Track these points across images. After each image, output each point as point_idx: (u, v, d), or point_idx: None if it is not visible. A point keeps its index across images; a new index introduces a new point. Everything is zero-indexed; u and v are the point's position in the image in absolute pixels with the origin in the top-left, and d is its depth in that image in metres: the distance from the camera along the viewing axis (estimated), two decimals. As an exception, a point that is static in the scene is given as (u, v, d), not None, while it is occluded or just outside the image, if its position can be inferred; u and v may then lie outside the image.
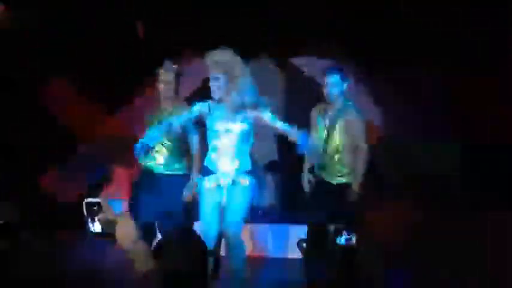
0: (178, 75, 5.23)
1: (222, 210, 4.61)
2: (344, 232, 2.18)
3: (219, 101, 4.55)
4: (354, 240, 2.14)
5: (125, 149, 7.15)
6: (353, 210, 4.75)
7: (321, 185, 5.02)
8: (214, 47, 5.62)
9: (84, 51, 7.48)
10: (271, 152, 8.05)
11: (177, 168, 5.23)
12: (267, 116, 4.55)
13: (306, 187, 5.11)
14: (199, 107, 4.64)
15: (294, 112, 7.62)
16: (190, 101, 5.80)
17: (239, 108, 4.54)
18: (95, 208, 1.72)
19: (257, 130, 4.74)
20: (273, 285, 6.14)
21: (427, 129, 7.59)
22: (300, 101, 7.13)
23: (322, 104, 5.09)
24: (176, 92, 5.25)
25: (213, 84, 4.53)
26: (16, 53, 7.33)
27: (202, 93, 5.23)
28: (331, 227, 2.19)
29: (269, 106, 4.61)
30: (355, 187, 4.95)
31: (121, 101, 7.92)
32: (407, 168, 7.43)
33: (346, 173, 5.02)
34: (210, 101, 4.63)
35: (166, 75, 5.16)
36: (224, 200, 4.58)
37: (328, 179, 5.04)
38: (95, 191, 7.52)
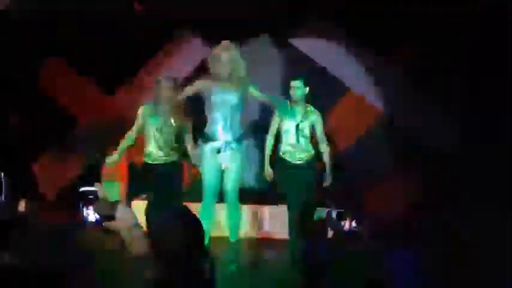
0: (176, 84, 5.79)
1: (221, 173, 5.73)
2: (347, 216, 2.12)
3: (222, 78, 5.64)
4: (355, 224, 2.08)
5: (122, 130, 7.13)
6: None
7: (289, 165, 6.16)
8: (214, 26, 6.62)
9: (82, 31, 7.37)
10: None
11: (172, 155, 5.78)
12: (253, 90, 5.77)
13: (269, 175, 6.24)
14: (201, 83, 5.72)
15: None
16: (191, 78, 6.57)
17: (234, 84, 5.67)
18: (91, 197, 1.67)
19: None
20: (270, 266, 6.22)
21: (426, 108, 7.57)
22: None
23: (289, 105, 6.16)
24: (175, 98, 5.75)
25: (219, 63, 5.63)
26: (15, 35, 7.21)
27: (201, 72, 5.90)
28: (334, 212, 2.12)
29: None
30: (330, 176, 6.12)
31: (119, 81, 7.83)
32: (406, 148, 7.38)
33: (311, 155, 6.21)
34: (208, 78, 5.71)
35: (166, 84, 5.71)
36: (222, 162, 5.68)
37: (294, 161, 6.18)
38: (91, 174, 7.48)
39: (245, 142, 5.91)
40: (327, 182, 6.14)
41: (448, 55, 7.13)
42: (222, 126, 5.70)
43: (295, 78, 6.23)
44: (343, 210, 1.98)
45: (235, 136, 5.74)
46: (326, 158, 6.19)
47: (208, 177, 5.75)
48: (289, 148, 6.18)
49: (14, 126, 7.55)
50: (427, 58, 7.40)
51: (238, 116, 5.77)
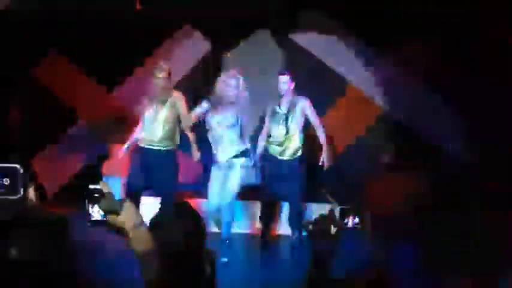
0: (169, 72, 6.15)
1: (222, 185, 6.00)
2: (349, 214, 2.13)
3: (225, 101, 5.90)
4: (359, 222, 2.10)
5: (123, 127, 7.11)
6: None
7: (279, 163, 6.43)
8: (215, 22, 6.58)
9: (83, 29, 7.33)
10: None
11: (169, 145, 6.19)
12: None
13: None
14: (206, 105, 5.96)
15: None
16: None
17: (235, 107, 5.93)
18: (97, 196, 1.68)
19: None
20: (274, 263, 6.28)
21: (427, 106, 7.56)
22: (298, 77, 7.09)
23: (276, 100, 6.47)
24: (168, 84, 6.19)
25: (228, 87, 5.89)
26: (15, 33, 7.18)
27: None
28: (337, 209, 2.13)
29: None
30: (327, 154, 6.35)
31: (119, 79, 7.82)
32: (407, 145, 7.38)
33: (300, 149, 6.42)
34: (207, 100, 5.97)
35: (160, 74, 6.09)
36: (225, 177, 5.97)
37: (285, 157, 6.43)
38: (93, 171, 7.48)
39: (247, 157, 6.11)
40: (326, 164, 6.32)
41: (449, 52, 7.14)
42: (222, 146, 6.01)
43: (282, 73, 6.46)
44: (345, 207, 1.99)
45: (237, 152, 6.03)
46: (322, 141, 6.36)
47: (212, 194, 6.05)
48: (277, 141, 6.42)
49: (15, 123, 7.53)
50: (427, 55, 7.41)
51: (237, 133, 6.03)
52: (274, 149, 6.47)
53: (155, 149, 6.15)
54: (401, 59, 7.54)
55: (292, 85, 6.41)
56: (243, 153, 6.07)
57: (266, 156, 6.50)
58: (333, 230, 2.30)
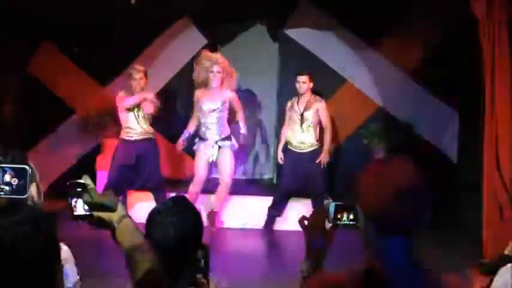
0: (145, 73, 6.62)
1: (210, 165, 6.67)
2: (346, 210, 2.09)
3: (213, 87, 6.45)
4: (354, 217, 2.06)
5: (115, 120, 7.06)
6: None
7: (297, 155, 6.75)
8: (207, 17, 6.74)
9: (77, 22, 7.27)
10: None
11: (148, 133, 6.72)
12: (235, 99, 6.62)
13: (280, 158, 6.92)
14: (198, 93, 6.55)
15: (286, 82, 7.57)
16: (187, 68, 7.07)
17: (221, 92, 6.47)
18: (80, 190, 1.63)
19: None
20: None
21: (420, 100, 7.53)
22: (293, 71, 7.06)
23: (295, 98, 6.79)
24: (143, 86, 6.65)
25: (213, 75, 6.40)
26: (12, 20, 7.11)
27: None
28: (332, 205, 2.09)
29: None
30: (326, 154, 6.73)
31: (112, 72, 7.74)
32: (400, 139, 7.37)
33: (315, 144, 6.77)
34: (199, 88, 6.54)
35: (136, 75, 6.55)
36: (212, 158, 6.53)
37: (301, 150, 6.75)
38: (85, 164, 7.44)
39: (230, 140, 6.64)
40: (324, 160, 6.70)
41: (447, 47, 7.13)
42: (211, 128, 6.53)
43: (301, 73, 6.67)
44: (340, 203, 1.96)
45: (222, 135, 6.56)
46: (326, 140, 6.73)
47: (199, 170, 6.57)
48: (294, 137, 6.74)
49: (12, 119, 7.47)
50: (425, 50, 7.40)
51: (224, 118, 6.59)
52: (291, 145, 6.80)
53: (136, 139, 6.66)
54: (399, 54, 7.55)
55: (311, 85, 6.69)
56: (228, 137, 6.60)
57: (284, 149, 6.83)
58: (328, 225, 2.25)
